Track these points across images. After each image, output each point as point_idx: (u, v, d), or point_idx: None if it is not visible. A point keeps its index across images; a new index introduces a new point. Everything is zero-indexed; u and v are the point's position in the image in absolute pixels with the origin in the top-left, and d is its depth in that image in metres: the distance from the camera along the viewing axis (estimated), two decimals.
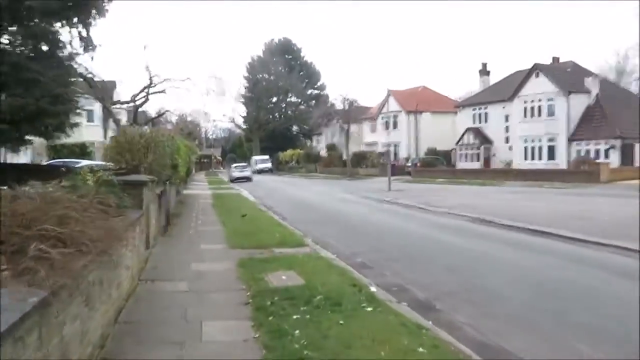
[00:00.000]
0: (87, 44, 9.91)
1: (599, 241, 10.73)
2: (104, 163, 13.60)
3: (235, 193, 28.90)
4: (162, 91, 23.96)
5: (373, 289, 7.08)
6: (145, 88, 23.26)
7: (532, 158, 38.58)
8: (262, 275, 7.65)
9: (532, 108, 38.71)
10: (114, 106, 23.42)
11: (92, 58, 9.46)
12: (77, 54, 10.00)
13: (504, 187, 29.30)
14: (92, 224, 4.41)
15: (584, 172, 31.86)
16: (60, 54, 10.56)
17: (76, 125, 12.30)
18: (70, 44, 10.04)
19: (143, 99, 23.47)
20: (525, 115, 39.24)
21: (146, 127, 15.34)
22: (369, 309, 6.01)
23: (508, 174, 35.21)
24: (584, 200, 20.78)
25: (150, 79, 23.00)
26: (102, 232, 4.43)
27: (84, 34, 10.07)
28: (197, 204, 20.95)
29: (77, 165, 13.48)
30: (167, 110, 25.37)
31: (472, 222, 14.80)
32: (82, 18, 10.35)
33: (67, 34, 10.38)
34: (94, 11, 10.43)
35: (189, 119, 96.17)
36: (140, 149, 12.77)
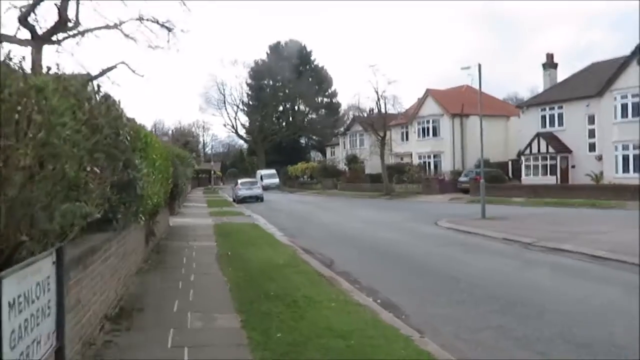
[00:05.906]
0: None
1: None
2: None
3: (248, 223, 19.32)
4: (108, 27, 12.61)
5: None
6: None
7: (635, 170, 29.04)
8: None
9: (635, 105, 29.28)
10: None
11: None
12: None
13: None
14: None
15: None
16: None
17: None
18: None
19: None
20: (623, 115, 29.82)
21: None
22: None
23: (622, 191, 25.50)
24: None
25: None
26: None
27: None
28: (188, 253, 11.37)
29: None
30: (121, 62, 13.36)
31: None
32: None
33: None
34: None
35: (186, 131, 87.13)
36: None
